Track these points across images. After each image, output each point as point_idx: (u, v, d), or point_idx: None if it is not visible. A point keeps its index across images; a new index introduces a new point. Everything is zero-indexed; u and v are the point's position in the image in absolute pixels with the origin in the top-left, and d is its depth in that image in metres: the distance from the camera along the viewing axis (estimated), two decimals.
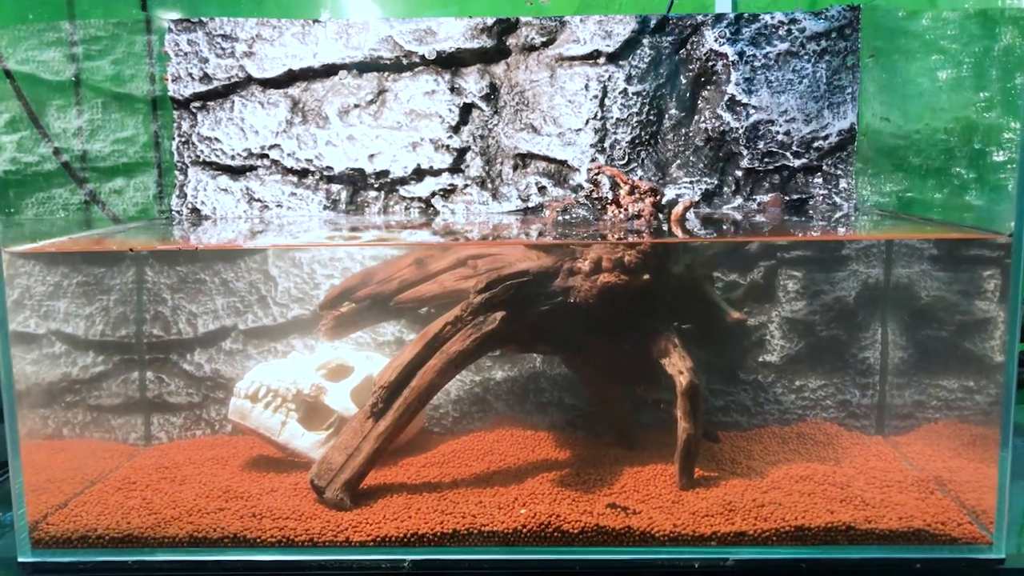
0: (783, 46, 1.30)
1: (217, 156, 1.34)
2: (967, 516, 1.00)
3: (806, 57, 1.30)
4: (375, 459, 1.06)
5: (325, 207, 1.33)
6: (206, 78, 1.33)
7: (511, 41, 1.34)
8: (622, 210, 1.19)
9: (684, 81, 1.33)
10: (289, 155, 1.33)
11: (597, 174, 1.25)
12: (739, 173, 1.32)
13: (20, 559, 0.98)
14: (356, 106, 1.33)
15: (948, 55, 1.16)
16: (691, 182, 1.32)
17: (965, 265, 1.20)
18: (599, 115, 1.32)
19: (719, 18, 1.31)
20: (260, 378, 1.17)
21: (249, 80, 1.34)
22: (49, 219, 1.24)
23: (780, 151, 1.31)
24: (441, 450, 1.23)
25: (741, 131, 1.30)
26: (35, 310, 1.22)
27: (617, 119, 1.32)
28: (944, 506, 1.02)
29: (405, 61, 1.33)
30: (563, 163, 1.32)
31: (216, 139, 1.34)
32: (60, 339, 1.24)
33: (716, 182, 1.32)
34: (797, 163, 1.31)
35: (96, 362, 1.27)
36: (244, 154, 1.34)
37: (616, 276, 1.11)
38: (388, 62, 1.33)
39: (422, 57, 1.32)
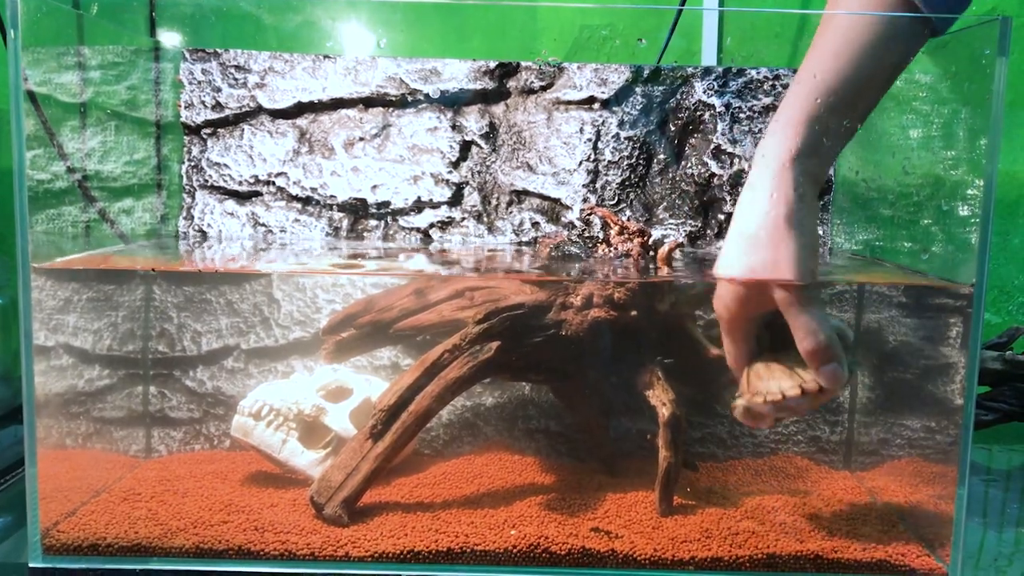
0: (767, 100, 1.38)
1: (225, 181, 1.40)
2: (925, 549, 1.07)
3: None
4: (373, 479, 1.12)
5: (327, 234, 1.39)
6: (218, 106, 1.39)
7: (511, 84, 1.41)
8: (612, 249, 1.27)
9: (673, 129, 1.40)
10: (295, 183, 1.39)
11: (589, 214, 1.33)
12: (722, 217, 1.40)
13: (31, 565, 1.02)
14: (361, 139, 1.40)
15: (919, 115, 1.24)
16: (676, 224, 1.40)
17: (930, 313, 1.28)
18: (592, 157, 1.39)
19: (708, 71, 1.39)
20: (263, 397, 1.23)
21: (259, 110, 1.40)
22: (58, 236, 1.28)
23: None
24: (432, 471, 1.28)
25: (725, 178, 1.38)
26: (44, 323, 1.26)
27: (609, 162, 1.39)
28: (904, 539, 1.10)
29: (410, 98, 1.39)
30: (556, 201, 1.39)
31: (225, 165, 1.40)
32: (68, 352, 1.28)
33: (700, 225, 1.40)
34: None
35: (102, 375, 1.31)
36: (251, 180, 1.40)
37: (606, 312, 1.18)
38: (394, 99, 1.39)
39: (426, 95, 1.39)
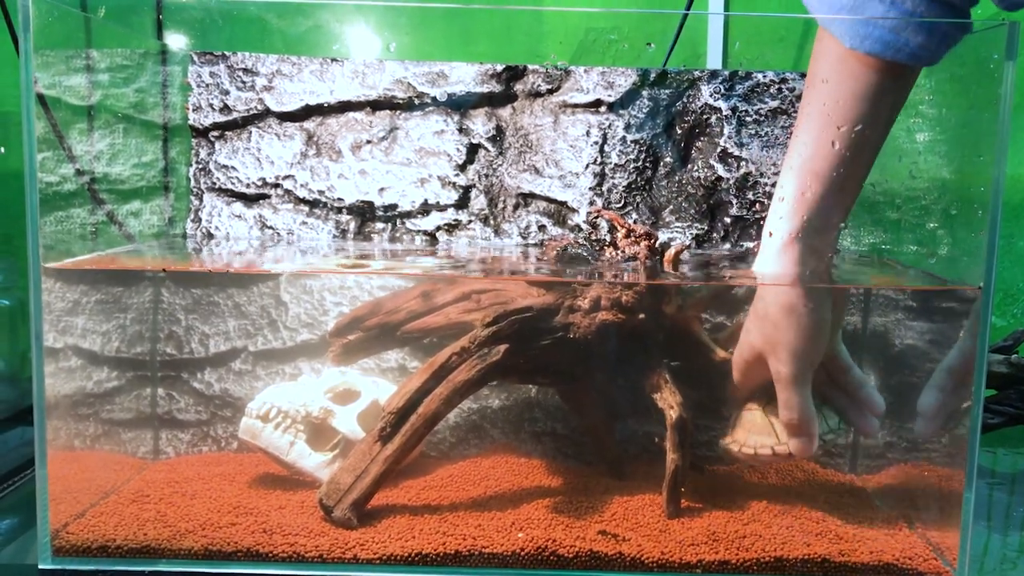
0: (774, 103, 1.38)
1: (233, 184, 1.40)
2: (932, 552, 1.08)
3: (794, 114, 1.38)
4: (382, 481, 1.12)
5: (334, 236, 1.40)
6: (226, 109, 1.40)
7: (518, 87, 1.41)
8: (619, 252, 1.27)
9: (679, 132, 1.41)
10: (302, 186, 1.40)
11: (596, 217, 1.33)
12: (728, 220, 1.40)
13: (41, 566, 1.03)
14: (368, 142, 1.40)
15: (926, 118, 1.24)
16: (683, 227, 1.40)
17: (937, 316, 1.28)
18: (598, 160, 1.40)
19: (714, 74, 1.39)
20: (271, 399, 1.23)
21: (267, 113, 1.40)
22: (67, 237, 1.28)
23: (767, 201, 1.39)
24: (439, 474, 1.29)
25: (732, 181, 1.39)
26: (53, 324, 1.26)
27: (615, 165, 1.40)
28: (912, 542, 1.10)
29: (417, 101, 1.40)
30: (563, 204, 1.40)
31: (233, 167, 1.40)
32: (77, 354, 1.28)
33: (706, 228, 1.40)
34: None
35: (110, 377, 1.32)
36: (259, 183, 1.40)
37: (614, 315, 1.19)
38: (401, 102, 1.40)
39: (433, 98, 1.40)
